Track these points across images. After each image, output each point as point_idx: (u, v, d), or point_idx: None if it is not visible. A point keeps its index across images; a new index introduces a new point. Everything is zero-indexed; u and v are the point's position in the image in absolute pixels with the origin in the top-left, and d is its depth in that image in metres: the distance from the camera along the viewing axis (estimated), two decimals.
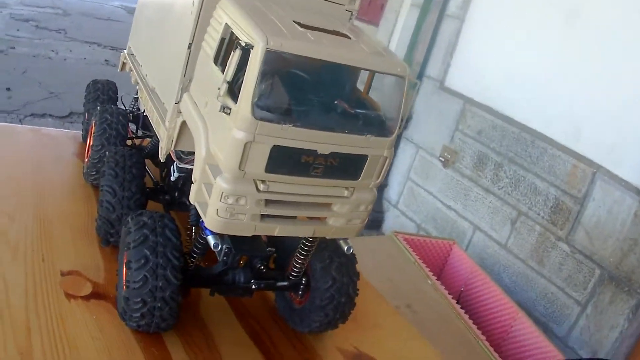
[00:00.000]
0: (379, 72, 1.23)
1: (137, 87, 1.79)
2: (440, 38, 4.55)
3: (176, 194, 1.66)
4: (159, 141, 1.49)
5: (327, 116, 1.22)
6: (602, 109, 3.37)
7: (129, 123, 1.89)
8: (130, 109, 2.01)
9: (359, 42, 1.26)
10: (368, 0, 4.99)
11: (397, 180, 4.82)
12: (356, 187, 1.26)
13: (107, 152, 1.64)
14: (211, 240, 1.28)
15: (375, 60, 1.22)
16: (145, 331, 1.35)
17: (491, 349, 2.72)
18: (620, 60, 3.30)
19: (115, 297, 1.42)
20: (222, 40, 1.21)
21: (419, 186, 4.63)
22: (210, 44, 1.26)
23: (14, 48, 7.42)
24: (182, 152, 1.45)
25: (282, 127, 1.11)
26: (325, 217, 1.29)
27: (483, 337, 2.77)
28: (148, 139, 1.90)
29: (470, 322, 2.85)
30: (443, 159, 4.39)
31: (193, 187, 1.24)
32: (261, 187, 1.17)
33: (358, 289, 1.49)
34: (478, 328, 2.83)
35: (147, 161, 1.75)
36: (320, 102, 1.23)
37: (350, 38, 1.26)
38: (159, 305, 1.28)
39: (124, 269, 1.32)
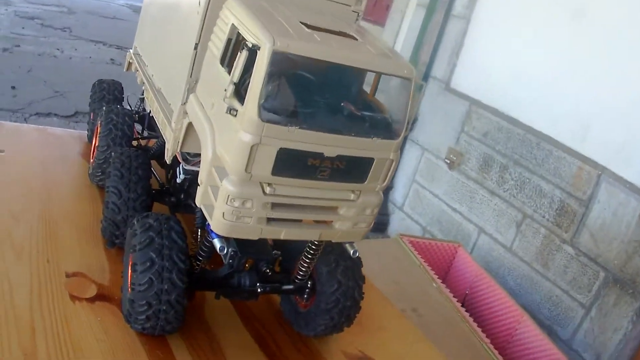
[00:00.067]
0: (386, 74, 1.22)
1: (143, 88, 1.79)
2: (446, 38, 4.54)
3: (182, 196, 1.66)
4: (164, 142, 1.49)
5: (334, 118, 1.21)
6: (608, 108, 3.36)
7: (135, 124, 1.88)
8: (136, 109, 2.00)
9: (366, 43, 1.25)
10: (374, 0, 4.98)
11: (403, 183, 4.82)
12: (362, 190, 1.26)
13: (112, 153, 1.63)
14: (217, 243, 1.28)
15: (382, 62, 1.21)
16: (150, 334, 1.35)
17: (496, 352, 2.71)
18: (627, 59, 3.30)
19: (120, 299, 1.42)
20: (229, 41, 1.21)
21: (425, 188, 4.63)
22: (216, 45, 1.25)
23: (19, 46, 7.42)
24: (188, 153, 1.44)
25: (288, 130, 1.10)
26: (332, 221, 1.28)
27: (488, 340, 2.76)
28: (154, 140, 1.89)
29: (475, 325, 2.85)
30: (448, 161, 4.38)
31: (199, 190, 1.24)
32: (267, 190, 1.16)
33: (363, 293, 1.49)
34: (483, 331, 2.83)
35: (153, 162, 1.75)
36: (326, 104, 1.22)
37: (356, 39, 1.25)
38: (164, 308, 1.27)
39: (129, 271, 1.31)
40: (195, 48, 1.34)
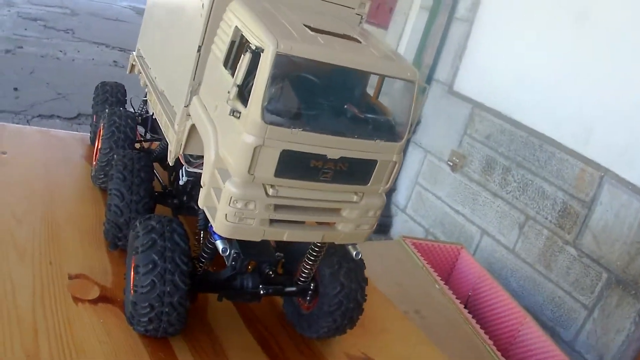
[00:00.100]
0: (389, 77, 1.22)
1: (146, 90, 1.79)
2: (449, 41, 4.54)
3: (185, 198, 1.66)
4: (167, 145, 1.49)
5: (337, 121, 1.21)
6: (611, 111, 3.36)
7: (138, 126, 1.88)
8: (139, 111, 2.00)
9: (369, 46, 1.25)
10: (377, 3, 4.98)
11: (406, 185, 4.82)
12: (365, 192, 1.25)
13: (115, 156, 1.63)
14: (220, 245, 1.27)
15: (385, 65, 1.21)
16: (153, 336, 1.35)
17: (498, 353, 2.71)
18: (630, 62, 3.30)
19: (123, 301, 1.42)
20: (232, 43, 1.21)
21: (427, 191, 4.63)
22: (220, 47, 1.25)
23: (21, 47, 7.42)
24: (191, 155, 1.44)
25: (291, 132, 1.10)
26: (334, 223, 1.28)
27: (490, 342, 2.76)
28: (157, 142, 1.89)
29: (477, 326, 2.84)
30: (451, 164, 4.38)
31: (202, 192, 1.24)
32: (270, 191, 1.16)
33: (366, 295, 1.48)
34: (485, 333, 2.82)
35: (156, 165, 1.75)
36: (330, 106, 1.22)
37: (360, 42, 1.25)
38: (167, 310, 1.27)
39: (132, 273, 1.32)
40: (199, 50, 1.34)
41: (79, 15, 9.83)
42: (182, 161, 1.45)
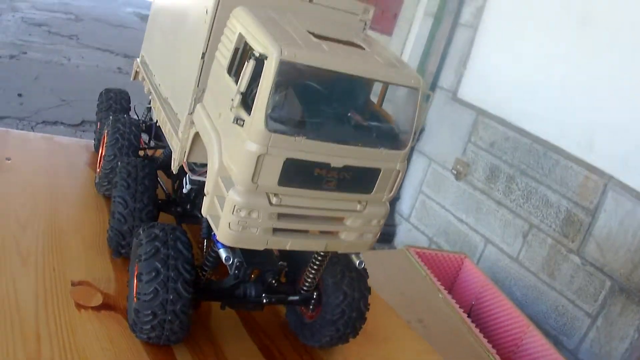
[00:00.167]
0: (393, 84, 1.22)
1: (150, 97, 1.79)
2: (453, 47, 4.54)
3: (188, 206, 1.66)
4: (171, 152, 1.49)
5: (341, 129, 1.21)
6: (616, 117, 3.36)
7: (142, 133, 1.88)
8: (143, 119, 2.00)
9: (373, 53, 1.25)
10: (381, 9, 4.98)
11: (409, 194, 4.81)
12: (369, 200, 1.25)
13: (119, 163, 1.63)
14: (223, 253, 1.27)
15: (389, 72, 1.20)
16: (156, 343, 1.34)
17: None
18: (635, 69, 3.29)
19: (126, 308, 1.41)
20: (236, 50, 1.21)
21: (431, 199, 4.62)
22: (224, 54, 1.25)
23: (25, 53, 7.44)
24: (195, 163, 1.44)
25: (295, 140, 1.10)
26: (338, 231, 1.27)
27: (494, 351, 2.75)
28: (160, 150, 1.89)
29: (480, 336, 2.84)
30: (455, 172, 4.37)
31: (205, 200, 1.23)
32: (274, 200, 1.16)
33: (369, 304, 1.48)
34: (489, 342, 2.82)
35: (159, 172, 1.75)
36: (333, 114, 1.22)
37: (364, 49, 1.25)
38: (170, 318, 1.27)
39: (135, 280, 1.31)
40: (203, 57, 1.34)
41: (84, 21, 9.86)
42: (186, 169, 1.44)
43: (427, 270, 3.24)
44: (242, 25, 1.20)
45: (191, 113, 1.37)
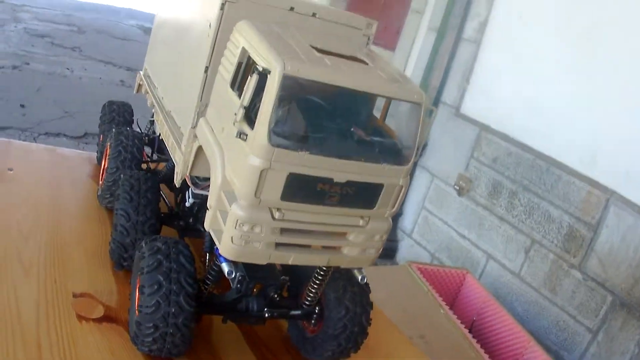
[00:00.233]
0: (396, 99, 1.22)
1: (153, 110, 1.79)
2: (456, 62, 4.54)
3: (191, 220, 1.65)
4: (174, 166, 1.49)
5: (344, 144, 1.21)
6: (618, 133, 3.36)
7: (145, 146, 1.88)
8: (146, 131, 2.00)
9: (376, 68, 1.25)
10: (384, 24, 4.99)
11: (412, 209, 4.80)
12: (371, 216, 1.25)
13: (122, 176, 1.63)
14: (225, 267, 1.27)
15: (392, 87, 1.21)
16: (157, 356, 1.34)
17: None
18: (637, 84, 3.29)
19: (128, 321, 1.41)
20: (239, 64, 1.21)
21: (434, 215, 4.61)
22: (227, 68, 1.25)
23: (28, 64, 7.45)
24: (198, 177, 1.44)
25: (298, 154, 1.10)
26: (340, 246, 1.27)
27: None
28: (163, 163, 1.89)
29: (482, 351, 2.83)
30: (458, 188, 4.37)
31: (208, 214, 1.23)
32: (276, 215, 1.16)
33: (371, 319, 1.48)
34: (490, 357, 2.81)
35: (162, 186, 1.75)
36: (336, 129, 1.22)
37: (367, 64, 1.26)
38: (171, 331, 1.26)
39: (137, 293, 1.31)
40: (206, 71, 1.34)
41: (86, 32, 9.88)
42: (189, 183, 1.44)
43: (429, 286, 3.23)
44: (245, 39, 1.21)
45: (194, 127, 1.37)
